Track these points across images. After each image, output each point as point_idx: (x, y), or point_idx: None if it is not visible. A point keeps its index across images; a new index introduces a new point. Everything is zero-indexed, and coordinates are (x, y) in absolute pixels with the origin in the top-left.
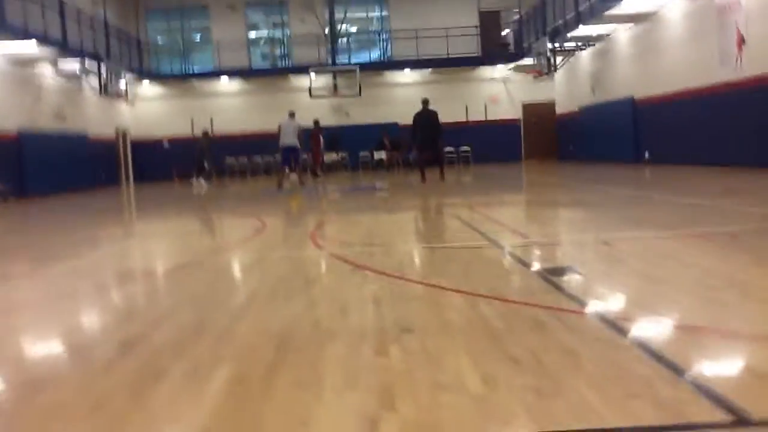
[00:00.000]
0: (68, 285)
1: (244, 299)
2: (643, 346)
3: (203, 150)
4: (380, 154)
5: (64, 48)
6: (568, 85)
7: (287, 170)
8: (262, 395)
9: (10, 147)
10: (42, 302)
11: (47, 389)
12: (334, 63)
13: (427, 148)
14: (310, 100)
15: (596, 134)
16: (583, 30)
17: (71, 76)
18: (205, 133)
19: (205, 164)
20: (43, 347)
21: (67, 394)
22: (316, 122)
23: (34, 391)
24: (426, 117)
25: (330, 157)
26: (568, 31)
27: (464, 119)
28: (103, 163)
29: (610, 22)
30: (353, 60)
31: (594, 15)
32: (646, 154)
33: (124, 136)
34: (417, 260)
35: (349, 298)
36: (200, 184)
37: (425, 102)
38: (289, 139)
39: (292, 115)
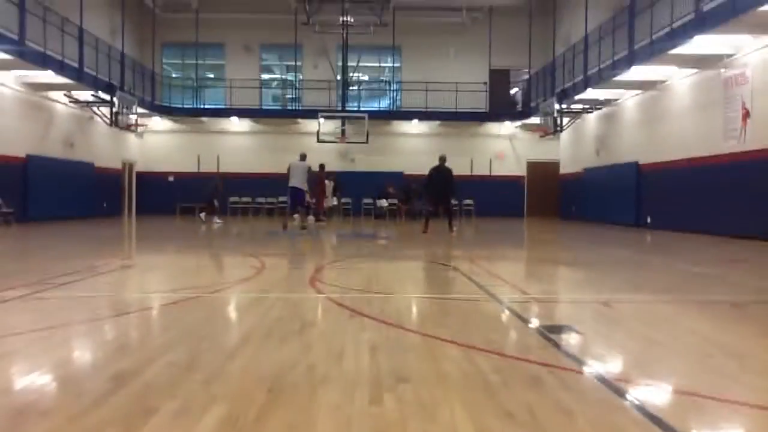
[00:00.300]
0: (62, 314)
1: (239, 339)
2: (641, 409)
3: (217, 189)
4: (382, 203)
5: (80, 77)
6: (573, 146)
7: (290, 212)
8: None
9: (16, 171)
10: (35, 330)
11: (37, 420)
12: (343, 109)
13: (439, 202)
14: (317, 144)
15: (599, 196)
16: (590, 93)
17: (83, 105)
18: (222, 176)
19: (215, 203)
20: (34, 377)
21: (57, 426)
22: (322, 166)
23: (24, 421)
24: (441, 173)
25: (328, 202)
26: (575, 94)
27: (469, 173)
28: (107, 192)
29: (618, 87)
30: (362, 107)
31: (602, 80)
32: (648, 219)
33: (131, 167)
34: (415, 310)
35: (346, 343)
36: (210, 219)
37: (442, 159)
38: (296, 180)
39: (303, 157)
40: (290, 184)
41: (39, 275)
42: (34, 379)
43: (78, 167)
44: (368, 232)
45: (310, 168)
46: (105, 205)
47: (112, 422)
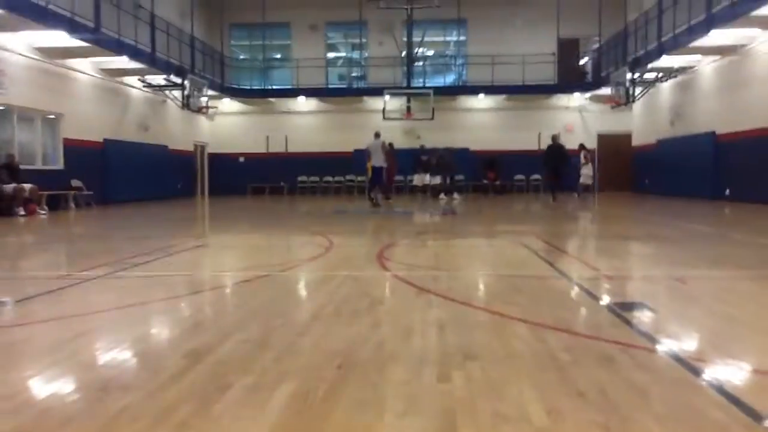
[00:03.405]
0: (140, 293)
1: (309, 316)
2: (718, 389)
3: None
4: (424, 178)
5: (152, 61)
6: (647, 117)
7: (371, 188)
8: (324, 413)
9: (95, 155)
10: (114, 308)
11: (116, 394)
12: (408, 86)
13: (556, 175)
14: (383, 122)
15: (674, 168)
16: (665, 61)
17: (156, 89)
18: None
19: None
20: (113, 353)
21: (135, 401)
22: (390, 145)
23: (103, 396)
24: (557, 149)
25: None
26: (649, 62)
27: (537, 147)
28: (181, 174)
29: (695, 53)
30: (428, 83)
31: (678, 46)
32: (727, 191)
33: (203, 149)
34: (483, 287)
35: (413, 321)
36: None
37: (555, 137)
38: (377, 159)
39: (378, 135)
40: (373, 164)
41: (118, 255)
42: (115, 356)
43: (153, 150)
44: (433, 209)
45: (384, 143)
46: (179, 186)
47: (188, 398)
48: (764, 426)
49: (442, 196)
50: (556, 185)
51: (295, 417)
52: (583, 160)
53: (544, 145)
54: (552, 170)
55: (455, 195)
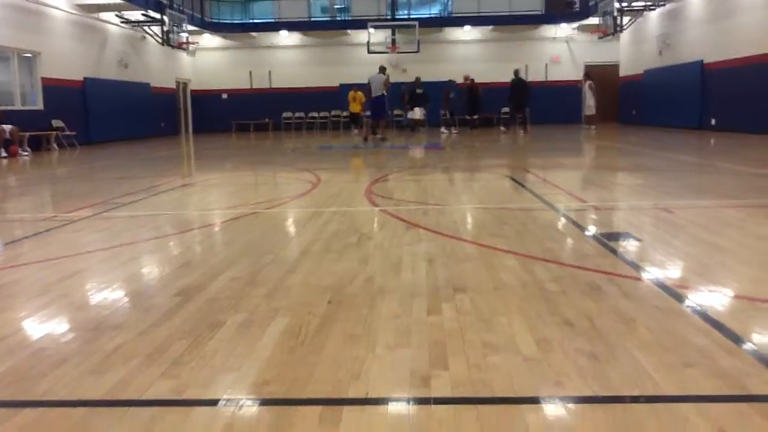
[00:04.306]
0: (128, 233)
1: (298, 253)
2: (702, 315)
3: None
4: (415, 114)
5: None
6: (634, 47)
7: (374, 122)
8: (316, 348)
9: (76, 95)
10: (103, 249)
11: (108, 334)
12: (393, 17)
13: (518, 109)
14: (368, 56)
15: (661, 98)
16: None
17: (135, 25)
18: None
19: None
20: (104, 293)
21: (128, 340)
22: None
23: (96, 335)
24: (520, 84)
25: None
26: None
27: (525, 79)
28: (164, 112)
29: None
30: (413, 15)
31: None
32: (713, 121)
33: (185, 86)
34: (471, 220)
35: (403, 255)
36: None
37: (517, 72)
38: (376, 90)
39: (382, 69)
40: (373, 95)
41: (104, 196)
42: (106, 296)
43: (134, 88)
44: (419, 143)
45: (388, 78)
46: (162, 125)
47: (180, 336)
48: (745, 349)
49: (443, 129)
50: (520, 118)
51: (287, 352)
52: (589, 91)
53: (531, 78)
54: (516, 104)
55: (454, 129)
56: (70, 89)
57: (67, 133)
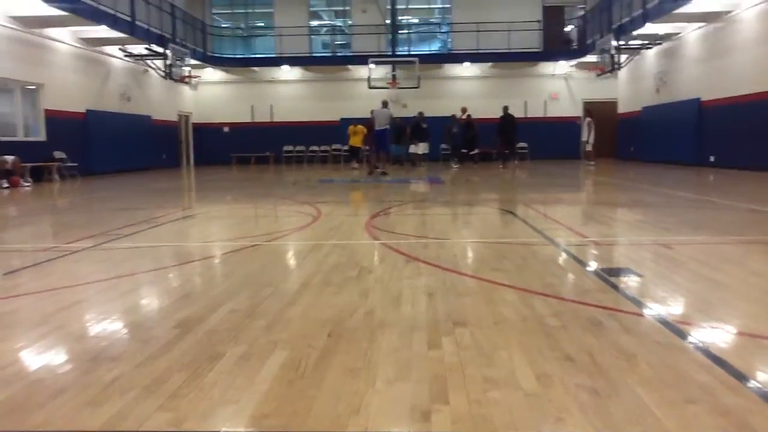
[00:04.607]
0: (128, 264)
1: (299, 285)
2: (704, 352)
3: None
4: (416, 148)
5: (133, 31)
6: (632, 84)
7: (376, 156)
8: (315, 382)
9: (78, 126)
10: (103, 280)
11: (107, 365)
12: (393, 53)
13: (508, 143)
14: (368, 91)
15: (659, 135)
16: (650, 28)
17: (138, 59)
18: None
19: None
20: (103, 324)
21: (126, 371)
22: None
23: (94, 367)
24: (509, 119)
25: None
26: (634, 29)
27: (523, 115)
28: (165, 144)
29: (679, 21)
30: (413, 51)
31: (662, 13)
32: (711, 158)
33: (186, 119)
34: (471, 254)
35: (403, 288)
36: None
37: (506, 108)
38: (380, 125)
39: (385, 104)
40: (376, 128)
41: (104, 227)
42: (104, 327)
43: (136, 120)
44: (420, 177)
45: (391, 114)
46: (164, 157)
47: (179, 368)
48: (749, 386)
49: (453, 164)
50: (508, 153)
51: (286, 385)
52: (587, 127)
53: (530, 114)
54: (504, 139)
55: (454, 163)
56: (73, 121)
57: (69, 164)
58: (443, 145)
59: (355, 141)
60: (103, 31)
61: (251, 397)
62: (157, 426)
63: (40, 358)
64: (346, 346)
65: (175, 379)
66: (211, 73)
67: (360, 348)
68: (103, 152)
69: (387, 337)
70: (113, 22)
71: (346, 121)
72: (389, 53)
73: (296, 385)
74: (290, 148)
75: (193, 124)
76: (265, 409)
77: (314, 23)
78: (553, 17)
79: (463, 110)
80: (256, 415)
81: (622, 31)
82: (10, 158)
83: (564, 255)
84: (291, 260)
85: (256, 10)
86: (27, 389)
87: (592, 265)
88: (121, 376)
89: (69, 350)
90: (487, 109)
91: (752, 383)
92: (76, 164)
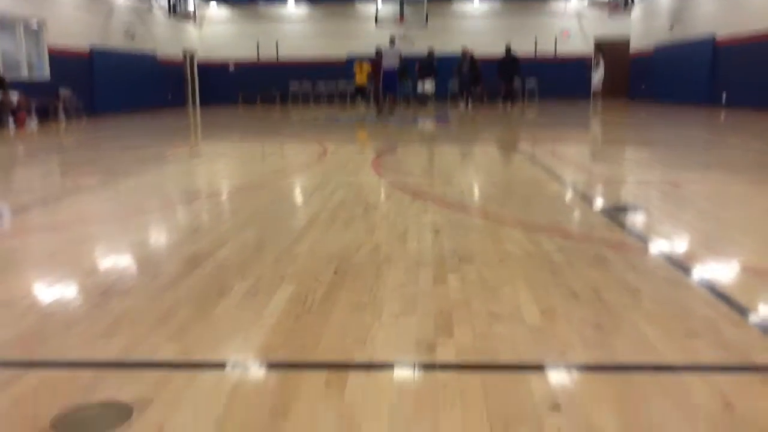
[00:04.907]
0: (136, 201)
1: (305, 222)
2: (708, 287)
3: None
4: (427, 86)
5: None
6: (645, 22)
7: (384, 96)
8: (322, 316)
9: (82, 64)
10: (111, 216)
11: (117, 299)
12: None
13: (507, 83)
14: (375, 29)
15: (671, 74)
16: None
17: None
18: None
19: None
20: (113, 259)
21: (136, 305)
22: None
23: (104, 300)
24: (510, 60)
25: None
26: None
27: (533, 53)
28: (171, 83)
29: None
30: None
31: None
32: (724, 96)
33: (192, 57)
34: (477, 192)
35: (409, 225)
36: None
37: (508, 48)
38: (389, 64)
39: (392, 42)
40: (384, 68)
41: (113, 164)
42: (114, 262)
43: (141, 59)
44: (427, 116)
45: (400, 52)
46: (169, 96)
47: (187, 301)
48: (751, 321)
49: (462, 103)
50: (509, 94)
51: (293, 320)
52: (597, 66)
53: (540, 52)
54: (506, 79)
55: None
56: (77, 58)
57: (75, 103)
58: (450, 84)
59: (361, 79)
60: None
61: (259, 330)
62: (167, 356)
63: (52, 292)
64: (352, 281)
65: (183, 312)
66: (216, 10)
67: (366, 283)
68: (109, 91)
69: (393, 272)
70: None
71: (353, 59)
72: None
73: (303, 319)
74: (296, 85)
75: (199, 63)
76: (272, 341)
77: None
78: None
79: (465, 50)
80: (263, 347)
81: None
82: (15, 94)
83: (571, 192)
84: (298, 197)
85: None
86: (40, 322)
87: (599, 203)
88: (131, 309)
89: (80, 284)
90: (498, 46)
91: (754, 318)
92: (82, 101)
